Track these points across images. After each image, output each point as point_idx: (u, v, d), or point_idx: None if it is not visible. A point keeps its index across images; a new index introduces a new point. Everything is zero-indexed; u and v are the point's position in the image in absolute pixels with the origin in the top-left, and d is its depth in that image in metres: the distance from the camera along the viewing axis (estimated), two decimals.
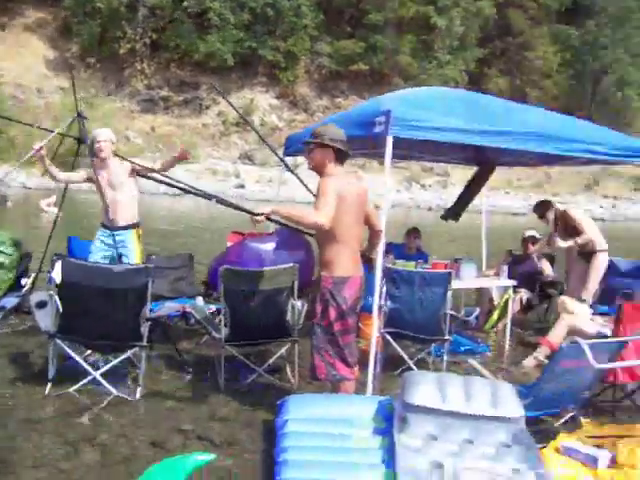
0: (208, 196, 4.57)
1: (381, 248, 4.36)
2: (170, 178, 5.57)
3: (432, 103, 5.14)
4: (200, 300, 5.76)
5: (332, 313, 3.85)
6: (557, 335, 5.43)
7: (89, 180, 5.55)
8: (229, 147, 29.62)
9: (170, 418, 4.03)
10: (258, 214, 3.75)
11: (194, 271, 6.69)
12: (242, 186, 26.63)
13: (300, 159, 8.94)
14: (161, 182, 5.64)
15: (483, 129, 4.85)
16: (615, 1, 38.05)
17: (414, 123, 4.60)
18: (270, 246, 5.99)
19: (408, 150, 6.82)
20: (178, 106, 32.23)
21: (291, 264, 4.51)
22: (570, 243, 6.54)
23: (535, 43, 38.59)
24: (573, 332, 5.42)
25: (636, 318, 4.51)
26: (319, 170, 3.92)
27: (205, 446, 3.65)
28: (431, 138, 4.69)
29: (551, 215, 6.81)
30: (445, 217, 7.39)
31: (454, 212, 7.30)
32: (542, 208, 6.91)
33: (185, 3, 31.85)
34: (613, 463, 3.61)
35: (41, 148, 5.26)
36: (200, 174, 27.16)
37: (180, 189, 5.42)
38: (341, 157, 3.94)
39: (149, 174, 5.59)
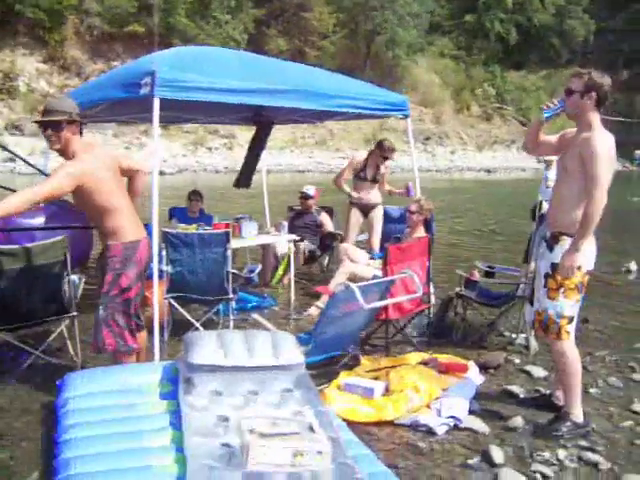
0: None
1: (155, 209, 4.30)
2: None
3: (200, 63, 5.06)
4: None
5: (124, 281, 3.74)
6: (337, 282, 5.75)
7: None
8: None
9: None
10: None
11: None
12: (12, 160, 24.31)
13: None
14: None
15: (249, 88, 4.90)
16: None
17: (181, 84, 4.52)
18: (40, 220, 5.60)
19: (184, 112, 6.72)
20: None
21: (60, 237, 4.24)
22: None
23: (310, 4, 39.57)
24: (353, 278, 5.79)
25: (401, 258, 4.92)
26: (65, 149, 3.66)
27: None
28: (198, 99, 4.65)
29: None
30: (237, 185, 7.39)
31: (244, 179, 7.33)
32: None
33: None
34: (387, 391, 3.97)
35: None
36: None
37: None
38: (81, 130, 3.75)
39: None
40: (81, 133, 3.73)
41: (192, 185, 9.17)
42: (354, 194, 6.96)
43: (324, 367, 4.36)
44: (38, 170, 5.12)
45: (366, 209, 7.06)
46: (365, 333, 5.01)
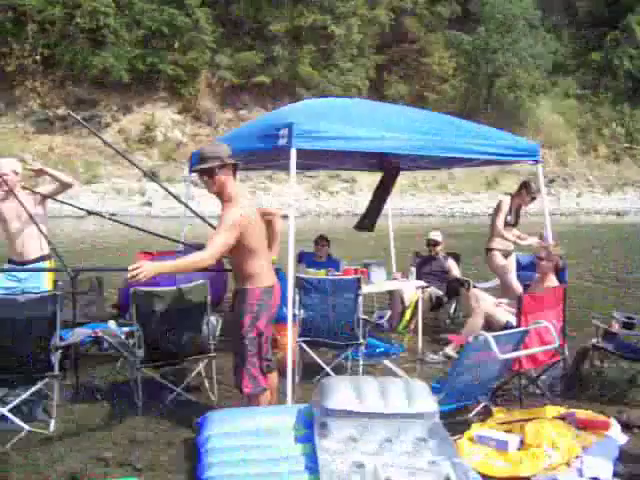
0: None
1: (292, 254, 4.46)
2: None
3: (333, 113, 5.29)
4: (112, 323, 5.64)
5: (261, 323, 3.90)
6: (475, 325, 5.61)
7: None
8: (132, 165, 28.82)
9: (88, 447, 3.93)
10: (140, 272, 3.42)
11: (104, 294, 6.54)
12: (149, 204, 26.09)
13: None
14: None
15: (383, 136, 5.02)
16: (501, 9, 39.87)
17: (316, 134, 4.72)
18: None
19: (313, 159, 6.95)
20: (76, 125, 31.04)
21: (202, 281, 4.50)
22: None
23: (430, 49, 39.95)
24: (488, 319, 5.66)
25: (535, 308, 4.78)
26: (221, 191, 3.86)
27: (127, 472, 3.59)
28: (333, 148, 4.83)
29: None
30: (359, 228, 7.48)
31: (368, 222, 7.42)
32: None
33: (78, 19, 30.73)
34: (522, 445, 3.83)
35: None
36: (104, 194, 26.41)
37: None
38: (235, 172, 3.95)
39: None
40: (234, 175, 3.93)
41: (315, 229, 9.39)
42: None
43: (453, 417, 4.28)
44: (195, 213, 5.56)
45: (507, 254, 6.92)
46: (497, 383, 4.87)
